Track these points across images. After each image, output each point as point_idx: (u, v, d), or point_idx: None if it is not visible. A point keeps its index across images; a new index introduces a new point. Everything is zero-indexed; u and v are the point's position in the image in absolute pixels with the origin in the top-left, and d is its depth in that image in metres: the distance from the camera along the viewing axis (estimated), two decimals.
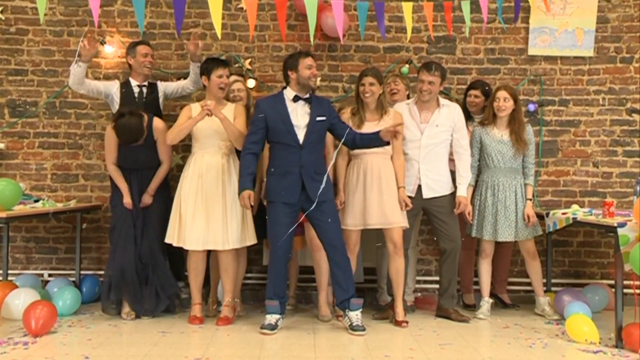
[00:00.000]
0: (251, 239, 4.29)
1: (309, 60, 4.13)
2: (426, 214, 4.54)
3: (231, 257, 4.26)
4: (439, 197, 4.42)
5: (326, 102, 4.29)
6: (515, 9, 5.09)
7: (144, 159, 4.47)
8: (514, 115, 4.54)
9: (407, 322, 4.23)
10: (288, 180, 4.04)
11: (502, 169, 4.54)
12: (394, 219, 4.21)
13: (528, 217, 4.50)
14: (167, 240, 4.28)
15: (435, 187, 4.41)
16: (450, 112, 4.46)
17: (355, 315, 4.06)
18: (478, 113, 4.86)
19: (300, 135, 4.07)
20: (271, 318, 4.05)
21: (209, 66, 4.28)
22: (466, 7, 4.79)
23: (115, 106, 4.67)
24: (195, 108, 4.29)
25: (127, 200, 4.43)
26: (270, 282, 4.09)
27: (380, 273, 4.81)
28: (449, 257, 4.45)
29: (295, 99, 4.11)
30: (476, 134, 4.62)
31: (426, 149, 4.39)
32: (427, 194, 4.40)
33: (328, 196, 4.11)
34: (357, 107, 4.34)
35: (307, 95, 4.16)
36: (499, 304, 4.90)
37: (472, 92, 4.88)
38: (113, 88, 4.76)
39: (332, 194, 4.17)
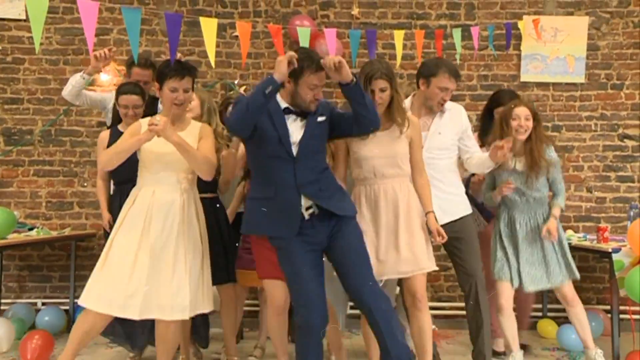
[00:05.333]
0: (206, 305, 3.20)
1: (315, 79, 2.92)
2: (443, 246, 3.47)
3: (173, 328, 3.18)
4: (454, 222, 3.49)
5: (323, 103, 3.09)
6: (507, 36, 5.17)
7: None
8: (531, 137, 3.69)
9: None
10: (283, 206, 2.94)
11: (523, 202, 3.72)
12: (418, 264, 3.14)
13: (548, 231, 3.62)
14: (81, 301, 3.08)
15: (449, 208, 3.45)
16: (455, 116, 3.61)
17: None
18: None
19: (294, 146, 2.96)
20: None
21: (162, 72, 3.18)
22: (457, 35, 4.87)
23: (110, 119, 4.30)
24: (145, 125, 3.15)
25: (104, 221, 3.84)
26: None
27: None
28: (469, 297, 3.54)
29: (287, 110, 2.99)
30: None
31: (428, 163, 3.39)
32: (442, 218, 3.37)
33: (352, 210, 3.04)
34: None
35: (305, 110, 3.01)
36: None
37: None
38: (110, 102, 4.38)
39: (354, 208, 3.09)
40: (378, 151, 3.15)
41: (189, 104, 3.31)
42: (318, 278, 2.90)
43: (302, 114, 2.99)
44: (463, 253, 3.51)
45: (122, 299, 2.97)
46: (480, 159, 3.58)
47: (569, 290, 3.69)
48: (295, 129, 2.97)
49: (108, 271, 3.03)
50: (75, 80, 4.22)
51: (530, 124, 3.64)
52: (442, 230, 3.16)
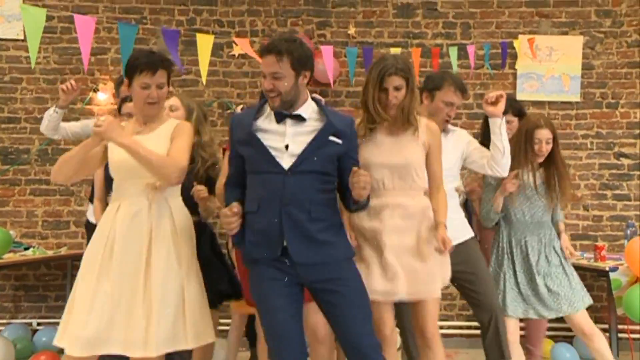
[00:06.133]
0: (205, 336, 2.70)
1: (262, 63, 2.50)
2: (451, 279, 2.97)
3: None
4: (458, 246, 2.91)
5: (348, 122, 2.57)
6: (503, 55, 5.20)
7: None
8: (552, 158, 3.41)
9: None
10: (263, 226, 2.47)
11: (528, 223, 3.42)
12: (422, 287, 2.67)
13: (568, 249, 3.46)
14: (56, 341, 2.67)
15: (451, 232, 2.75)
16: (457, 140, 3.34)
17: None
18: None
19: (287, 159, 2.46)
20: None
21: (132, 65, 2.69)
22: (453, 53, 4.90)
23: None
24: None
25: None
26: None
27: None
28: (488, 329, 3.21)
29: (279, 117, 2.50)
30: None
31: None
32: None
33: (342, 254, 2.52)
34: (370, 116, 2.75)
35: (301, 111, 2.51)
36: None
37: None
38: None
39: (349, 249, 2.58)
40: (388, 159, 2.71)
41: (164, 102, 2.84)
42: (289, 309, 2.43)
43: (297, 116, 2.50)
44: (477, 288, 3.19)
45: (83, 334, 2.53)
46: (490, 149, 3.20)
47: (585, 320, 3.32)
48: (294, 135, 2.48)
49: (74, 305, 2.64)
50: (49, 114, 4.06)
51: (550, 146, 3.37)
52: (447, 240, 2.63)
